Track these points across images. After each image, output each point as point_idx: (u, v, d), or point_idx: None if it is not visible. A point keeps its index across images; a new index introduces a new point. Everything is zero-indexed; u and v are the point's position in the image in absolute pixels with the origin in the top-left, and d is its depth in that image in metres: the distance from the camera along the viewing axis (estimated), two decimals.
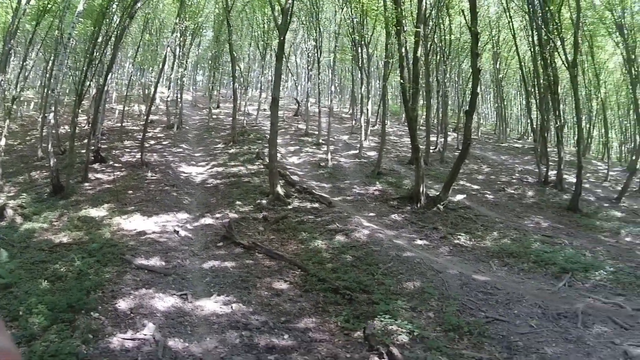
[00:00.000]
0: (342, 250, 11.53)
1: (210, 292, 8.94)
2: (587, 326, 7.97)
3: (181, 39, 30.09)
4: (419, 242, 13.19)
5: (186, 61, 35.11)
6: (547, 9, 20.43)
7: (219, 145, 25.28)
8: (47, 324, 6.91)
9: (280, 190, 16.05)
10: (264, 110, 35.41)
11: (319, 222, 13.75)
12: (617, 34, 24.29)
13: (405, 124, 21.76)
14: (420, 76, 26.34)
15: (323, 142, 25.27)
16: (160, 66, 26.79)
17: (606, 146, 32.64)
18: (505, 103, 43.78)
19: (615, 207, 19.80)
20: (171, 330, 7.18)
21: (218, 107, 40.72)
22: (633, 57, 24.19)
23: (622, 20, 23.65)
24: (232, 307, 8.22)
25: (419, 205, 16.37)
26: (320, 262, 10.84)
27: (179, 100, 31.52)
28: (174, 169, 19.71)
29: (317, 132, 28.58)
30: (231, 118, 27.42)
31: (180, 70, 32.53)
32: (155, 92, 25.16)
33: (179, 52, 30.88)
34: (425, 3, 22.34)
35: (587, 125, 37.64)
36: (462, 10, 17.24)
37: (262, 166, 20.22)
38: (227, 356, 6.65)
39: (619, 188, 22.30)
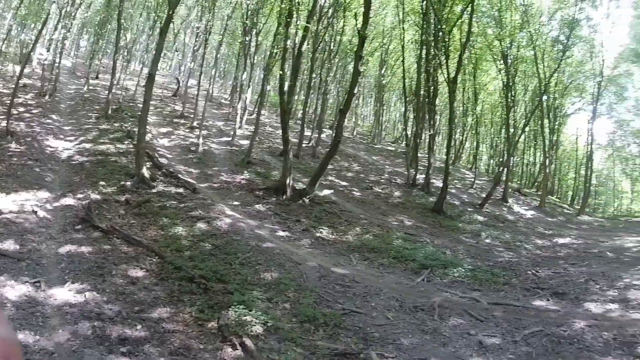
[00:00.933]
0: (202, 238, 11.16)
1: (64, 279, 8.39)
2: (444, 318, 8.23)
3: None
4: (281, 233, 13.08)
5: (71, 22, 31.45)
6: (440, 27, 21.36)
7: (91, 120, 23.27)
8: None
9: (146, 172, 15.10)
10: (143, 86, 33.41)
11: (182, 208, 13.25)
12: (502, 61, 25.91)
13: None
14: (305, 71, 26.68)
15: (198, 125, 24.60)
16: (42, 23, 24.13)
17: (476, 158, 35.59)
18: (384, 107, 45.33)
19: (478, 212, 21.08)
20: (22, 323, 6.67)
21: (97, 77, 37.01)
22: (511, 84, 26.23)
23: (509, 51, 25.28)
24: (85, 296, 7.77)
25: (284, 197, 16.23)
26: (179, 250, 10.43)
27: (57, 65, 28.55)
28: (40, 142, 17.86)
29: (193, 115, 27.56)
30: (108, 91, 25.28)
31: (63, 32, 29.08)
32: (31, 52, 22.52)
33: (66, 10, 27.72)
34: (322, 1, 22.49)
35: (460, 137, 40.36)
36: (356, 14, 17.71)
37: (131, 146, 18.91)
38: (78, 349, 6.31)
39: (484, 195, 23.59)
